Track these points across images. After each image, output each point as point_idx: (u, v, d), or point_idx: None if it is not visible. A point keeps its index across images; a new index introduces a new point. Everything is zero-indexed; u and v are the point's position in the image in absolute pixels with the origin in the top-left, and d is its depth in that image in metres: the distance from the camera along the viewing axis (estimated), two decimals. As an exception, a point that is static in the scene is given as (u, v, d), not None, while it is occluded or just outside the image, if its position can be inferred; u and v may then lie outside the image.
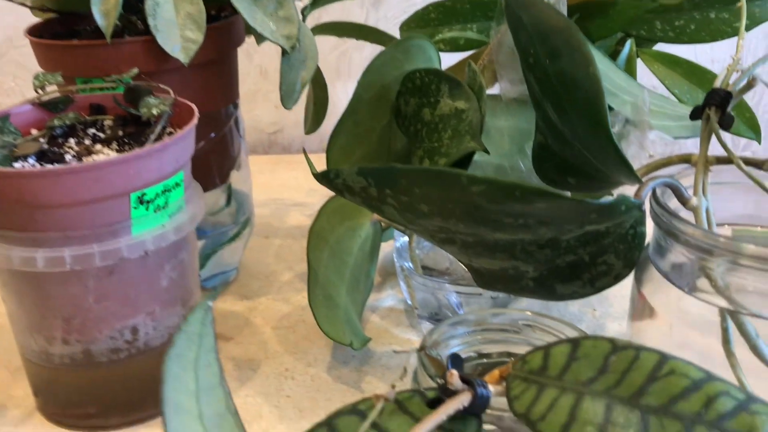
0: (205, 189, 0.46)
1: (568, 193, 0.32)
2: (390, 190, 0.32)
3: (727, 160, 0.32)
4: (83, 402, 0.38)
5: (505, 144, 0.43)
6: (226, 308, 0.48)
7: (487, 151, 0.36)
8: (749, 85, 0.31)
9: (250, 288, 0.51)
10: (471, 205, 0.30)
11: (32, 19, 0.47)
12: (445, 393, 0.23)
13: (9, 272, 0.35)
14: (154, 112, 0.35)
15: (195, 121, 0.36)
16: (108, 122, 0.40)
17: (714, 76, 0.45)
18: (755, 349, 0.29)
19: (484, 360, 0.31)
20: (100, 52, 0.41)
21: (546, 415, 0.23)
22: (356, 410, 0.25)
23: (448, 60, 0.46)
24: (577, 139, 0.32)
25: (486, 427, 0.26)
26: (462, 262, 0.36)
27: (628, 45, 0.45)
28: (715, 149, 0.32)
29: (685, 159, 0.33)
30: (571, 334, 0.31)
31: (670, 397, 0.22)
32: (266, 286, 0.51)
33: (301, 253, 0.55)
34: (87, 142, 0.38)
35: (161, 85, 0.38)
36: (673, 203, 0.31)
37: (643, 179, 0.31)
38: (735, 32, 0.42)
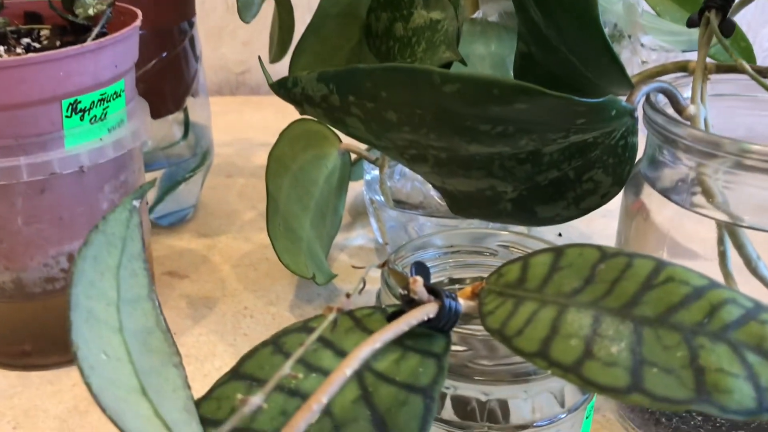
0: (158, 115, 0.42)
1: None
2: (354, 96, 0.28)
3: (727, 68, 0.29)
4: (17, 339, 0.34)
5: (486, 71, 0.40)
6: (182, 245, 0.45)
7: (464, 62, 0.33)
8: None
9: (209, 226, 0.47)
10: (443, 110, 0.27)
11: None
12: (409, 304, 0.20)
13: (-73, 190, 0.31)
14: (91, 12, 0.32)
15: (138, 23, 0.32)
16: (45, 32, 0.36)
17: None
18: (755, 271, 0.26)
19: (456, 286, 0.28)
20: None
21: (523, 330, 0.20)
22: (306, 327, 0.22)
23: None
24: (564, 42, 0.29)
25: (455, 348, 0.23)
26: (435, 185, 0.33)
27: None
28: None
29: (682, 66, 0.29)
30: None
31: (667, 307, 0.19)
32: (227, 224, 0.47)
33: (266, 192, 0.52)
34: (19, 51, 0.34)
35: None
36: (669, 113, 0.28)
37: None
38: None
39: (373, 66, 0.27)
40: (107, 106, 0.31)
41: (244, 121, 0.65)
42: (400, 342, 0.20)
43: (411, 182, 0.43)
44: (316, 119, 0.43)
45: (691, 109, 0.27)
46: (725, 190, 0.26)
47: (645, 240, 0.28)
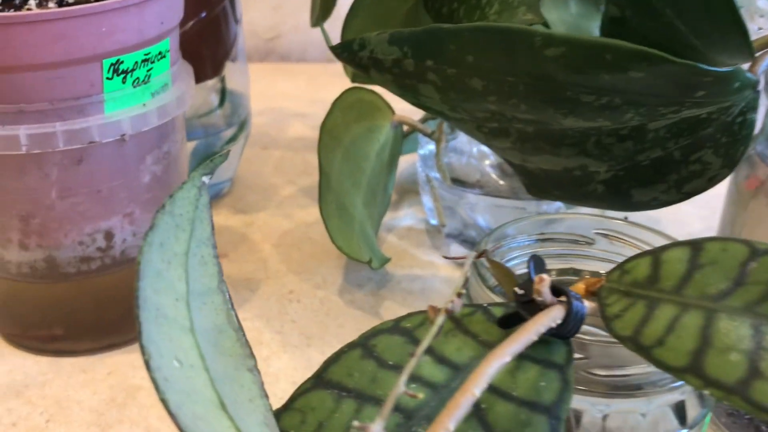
0: (196, 81, 0.39)
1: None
2: (433, 60, 0.25)
3: None
4: (48, 322, 0.31)
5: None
6: (219, 222, 0.42)
7: (547, 26, 0.29)
8: None
9: (245, 202, 0.44)
10: (541, 78, 0.23)
11: None
12: (526, 307, 0.17)
13: (-49, 158, 0.28)
14: (133, -39, 0.28)
15: (185, -25, 0.29)
16: (78, -15, 0.32)
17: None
18: None
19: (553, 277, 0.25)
20: None
21: (665, 339, 0.17)
22: (399, 328, 0.19)
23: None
24: (672, 3, 0.25)
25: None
26: (512, 163, 0.29)
27: None
28: None
29: (804, 34, 0.26)
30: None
31: None
32: (264, 200, 0.44)
33: (304, 166, 0.48)
34: (51, 5, 0.30)
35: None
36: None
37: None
38: None
39: (460, 26, 0.24)
40: (151, 68, 0.28)
41: (276, 89, 0.61)
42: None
43: (467, 158, 0.40)
44: (368, 88, 0.40)
45: (821, 83, 0.24)
46: None
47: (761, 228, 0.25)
